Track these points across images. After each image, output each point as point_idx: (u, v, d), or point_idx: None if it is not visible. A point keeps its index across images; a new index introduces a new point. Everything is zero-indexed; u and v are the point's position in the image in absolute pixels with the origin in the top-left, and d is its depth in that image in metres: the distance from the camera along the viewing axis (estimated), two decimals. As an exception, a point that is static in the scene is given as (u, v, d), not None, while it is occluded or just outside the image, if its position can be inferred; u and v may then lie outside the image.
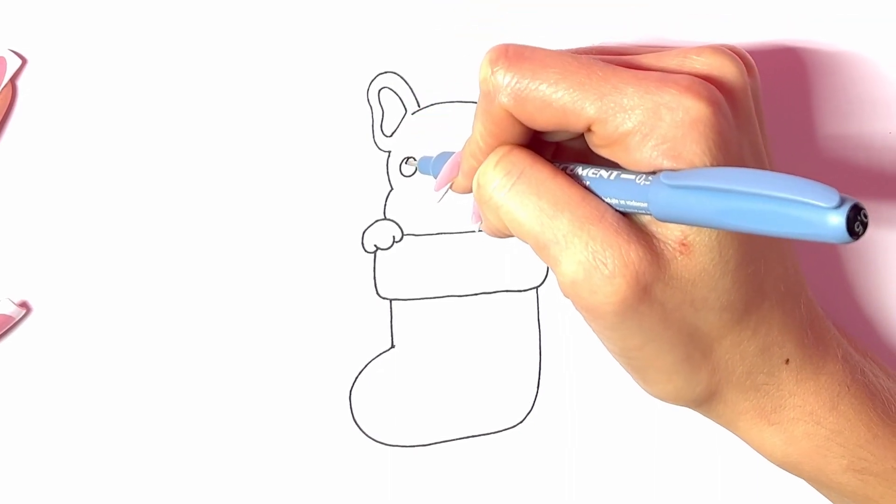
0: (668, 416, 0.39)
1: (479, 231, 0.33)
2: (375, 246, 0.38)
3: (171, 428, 0.37)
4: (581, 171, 0.30)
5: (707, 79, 0.29)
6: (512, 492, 0.39)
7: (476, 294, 0.39)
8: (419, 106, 0.38)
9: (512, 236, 0.31)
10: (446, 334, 0.39)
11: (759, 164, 0.30)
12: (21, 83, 0.36)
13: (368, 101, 0.38)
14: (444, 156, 0.35)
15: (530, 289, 0.39)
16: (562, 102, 0.28)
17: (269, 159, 0.37)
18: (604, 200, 0.29)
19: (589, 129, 0.29)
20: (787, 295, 0.31)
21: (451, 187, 0.33)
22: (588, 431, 0.39)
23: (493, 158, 0.30)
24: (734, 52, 0.31)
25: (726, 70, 0.30)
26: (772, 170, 0.29)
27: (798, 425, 0.32)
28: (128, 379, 0.37)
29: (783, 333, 0.31)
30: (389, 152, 0.38)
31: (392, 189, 0.38)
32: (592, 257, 0.28)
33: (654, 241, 0.28)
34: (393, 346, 0.38)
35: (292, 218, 0.37)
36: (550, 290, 0.39)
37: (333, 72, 0.37)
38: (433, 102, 0.38)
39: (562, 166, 0.30)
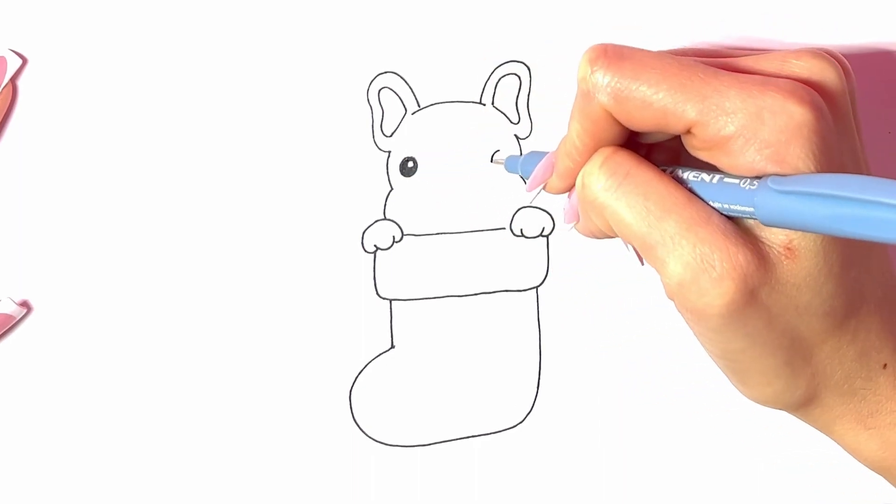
0: (667, 416, 0.39)
1: (571, 230, 0.32)
2: (375, 246, 0.38)
3: (171, 427, 0.37)
4: (683, 174, 0.30)
5: (807, 83, 0.29)
6: (512, 492, 0.39)
7: (476, 294, 0.39)
8: (419, 106, 0.38)
9: (608, 237, 0.31)
10: (446, 334, 0.39)
11: (857, 169, 0.30)
12: (21, 83, 0.36)
13: (368, 101, 0.38)
14: (534, 155, 0.34)
15: (530, 289, 0.39)
16: (662, 104, 0.28)
17: (270, 159, 0.37)
18: (707, 204, 0.29)
19: (688, 132, 0.29)
20: (885, 300, 0.31)
21: (544, 188, 0.33)
22: (588, 431, 0.39)
23: (597, 159, 0.30)
24: (832, 56, 0.30)
25: (826, 74, 0.29)
26: (869, 174, 0.29)
27: (894, 430, 0.32)
28: (128, 379, 0.37)
29: (881, 338, 0.31)
30: (389, 152, 0.38)
31: (392, 189, 0.38)
32: (700, 259, 0.28)
33: (760, 244, 0.28)
34: (393, 346, 0.38)
35: (292, 218, 0.37)
36: (550, 290, 0.39)
37: (333, 72, 0.37)
38: (433, 102, 0.38)
39: (662, 169, 0.30)
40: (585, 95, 0.29)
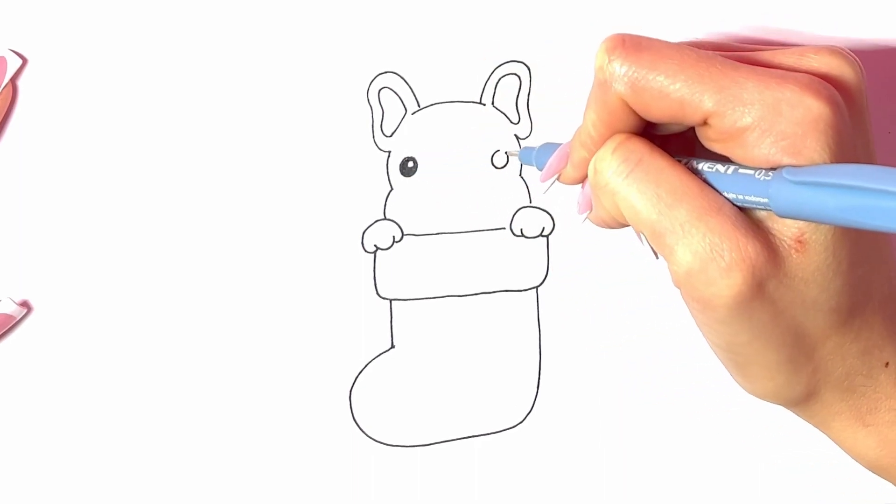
0: (668, 416, 0.39)
1: (584, 221, 0.32)
2: (375, 246, 0.38)
3: (171, 427, 0.37)
4: (696, 164, 0.30)
5: (825, 78, 0.29)
6: (512, 492, 0.39)
7: (476, 294, 0.39)
8: (419, 106, 0.38)
9: (620, 227, 0.31)
10: (446, 334, 0.39)
11: (870, 163, 0.30)
12: (21, 83, 0.36)
13: (368, 101, 0.38)
14: (549, 147, 0.34)
15: (530, 289, 0.39)
16: (680, 94, 0.28)
17: (270, 159, 0.37)
18: (720, 194, 0.29)
19: (704, 123, 0.29)
20: (889, 298, 0.31)
21: (558, 178, 0.33)
22: (588, 431, 0.39)
23: (610, 145, 0.30)
24: (850, 54, 0.31)
25: (844, 70, 0.30)
26: None
27: (893, 428, 0.31)
28: (128, 379, 0.37)
29: (884, 336, 0.31)
30: (389, 152, 0.38)
31: (392, 189, 0.38)
32: (710, 248, 0.28)
33: (771, 237, 0.28)
34: (393, 346, 0.38)
35: (292, 218, 0.37)
36: (550, 290, 0.39)
37: (333, 72, 0.37)
38: (433, 102, 0.38)
39: (677, 159, 0.30)
40: (602, 85, 0.29)
